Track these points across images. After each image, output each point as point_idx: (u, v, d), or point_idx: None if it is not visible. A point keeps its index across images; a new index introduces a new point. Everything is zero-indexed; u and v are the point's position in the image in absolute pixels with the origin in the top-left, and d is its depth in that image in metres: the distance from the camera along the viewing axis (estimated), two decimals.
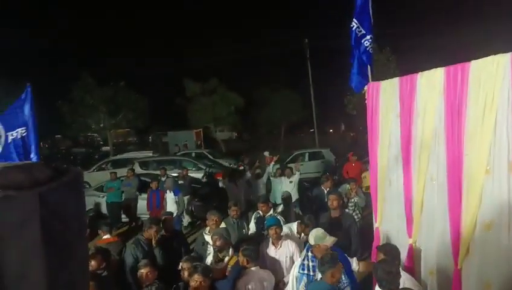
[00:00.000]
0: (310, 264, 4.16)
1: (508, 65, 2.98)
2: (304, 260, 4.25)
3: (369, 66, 5.24)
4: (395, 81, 4.61)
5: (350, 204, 7.42)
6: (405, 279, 3.57)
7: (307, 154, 18.53)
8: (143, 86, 31.08)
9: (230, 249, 4.61)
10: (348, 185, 7.84)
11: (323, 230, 4.31)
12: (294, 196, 8.94)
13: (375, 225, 5.02)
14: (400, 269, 3.60)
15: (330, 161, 17.29)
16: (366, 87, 5.25)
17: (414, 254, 4.18)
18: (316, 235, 4.20)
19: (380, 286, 3.29)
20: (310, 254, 4.23)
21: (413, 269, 4.10)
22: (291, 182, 9.38)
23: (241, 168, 12.86)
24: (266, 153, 12.60)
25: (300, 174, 9.95)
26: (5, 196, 1.07)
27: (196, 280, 3.62)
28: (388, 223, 4.79)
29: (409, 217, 4.28)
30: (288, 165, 13.35)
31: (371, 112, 5.16)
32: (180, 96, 30.54)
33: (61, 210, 1.44)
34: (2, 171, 0.90)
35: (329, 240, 4.16)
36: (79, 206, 1.47)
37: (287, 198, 8.00)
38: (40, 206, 1.18)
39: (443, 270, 3.70)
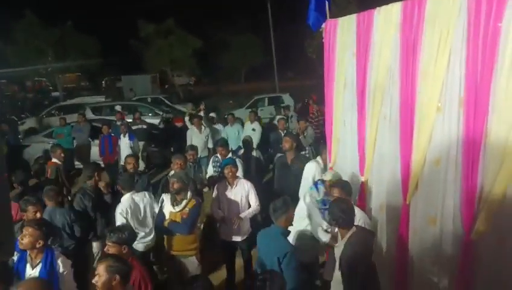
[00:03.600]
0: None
1: (464, 0, 2.88)
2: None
3: (327, 2, 5.01)
4: (352, 18, 4.45)
5: (307, 147, 7.47)
6: (358, 213, 3.66)
7: (266, 99, 18.38)
8: (94, 28, 28.95)
9: (189, 193, 4.54)
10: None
11: (341, 175, 4.43)
12: (256, 143, 8.78)
13: (329, 165, 5.07)
14: (354, 206, 3.69)
15: (290, 105, 17.28)
16: (323, 25, 5.07)
17: (366, 191, 4.28)
18: (333, 174, 4.39)
19: (336, 225, 3.35)
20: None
21: (364, 206, 4.22)
22: (254, 130, 9.22)
23: (201, 113, 12.55)
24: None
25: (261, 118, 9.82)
26: None
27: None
28: (342, 163, 4.85)
29: (362, 156, 4.33)
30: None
31: (328, 51, 5.03)
32: (134, 38, 28.83)
33: None
34: None
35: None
36: None
37: (247, 142, 7.85)
38: None
39: (392, 206, 3.82)
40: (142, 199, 4.84)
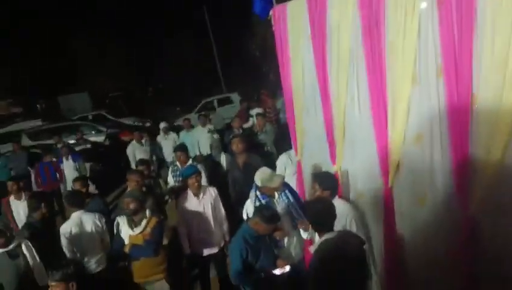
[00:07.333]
0: (263, 202, 3.88)
1: None
2: (254, 202, 3.92)
3: None
4: (302, 1, 4.18)
5: (269, 146, 7.13)
6: (343, 208, 3.42)
7: (215, 101, 17.86)
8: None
9: (147, 211, 4.06)
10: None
11: (270, 170, 3.99)
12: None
13: (296, 159, 4.78)
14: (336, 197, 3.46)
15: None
16: (271, 13, 4.77)
17: (341, 180, 4.02)
18: (262, 177, 3.87)
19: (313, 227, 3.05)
20: (258, 193, 3.95)
21: (342, 196, 3.96)
22: (209, 131, 8.40)
23: (148, 124, 11.92)
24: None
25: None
26: None
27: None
28: (310, 154, 4.56)
29: (332, 143, 4.07)
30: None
31: (279, 39, 4.71)
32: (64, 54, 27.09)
33: None
34: None
35: (277, 181, 3.86)
36: None
37: (215, 147, 7.32)
38: None
39: (373, 191, 3.58)
40: (93, 220, 4.35)
